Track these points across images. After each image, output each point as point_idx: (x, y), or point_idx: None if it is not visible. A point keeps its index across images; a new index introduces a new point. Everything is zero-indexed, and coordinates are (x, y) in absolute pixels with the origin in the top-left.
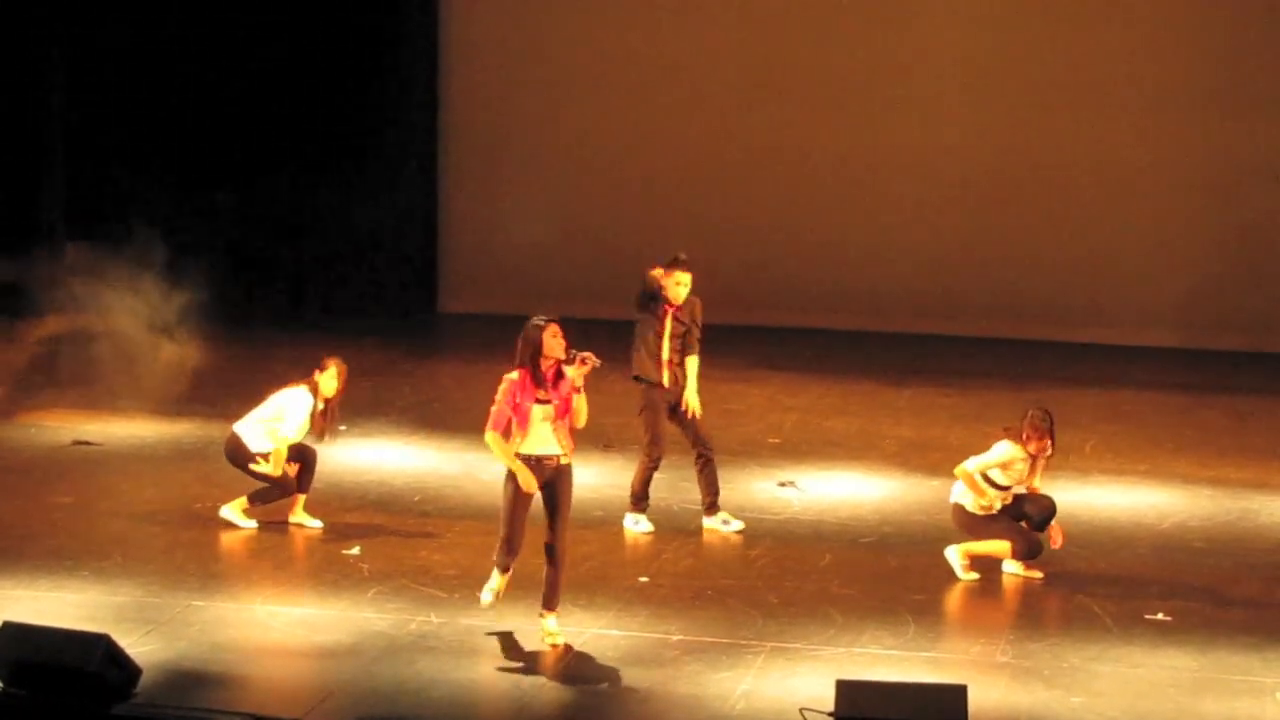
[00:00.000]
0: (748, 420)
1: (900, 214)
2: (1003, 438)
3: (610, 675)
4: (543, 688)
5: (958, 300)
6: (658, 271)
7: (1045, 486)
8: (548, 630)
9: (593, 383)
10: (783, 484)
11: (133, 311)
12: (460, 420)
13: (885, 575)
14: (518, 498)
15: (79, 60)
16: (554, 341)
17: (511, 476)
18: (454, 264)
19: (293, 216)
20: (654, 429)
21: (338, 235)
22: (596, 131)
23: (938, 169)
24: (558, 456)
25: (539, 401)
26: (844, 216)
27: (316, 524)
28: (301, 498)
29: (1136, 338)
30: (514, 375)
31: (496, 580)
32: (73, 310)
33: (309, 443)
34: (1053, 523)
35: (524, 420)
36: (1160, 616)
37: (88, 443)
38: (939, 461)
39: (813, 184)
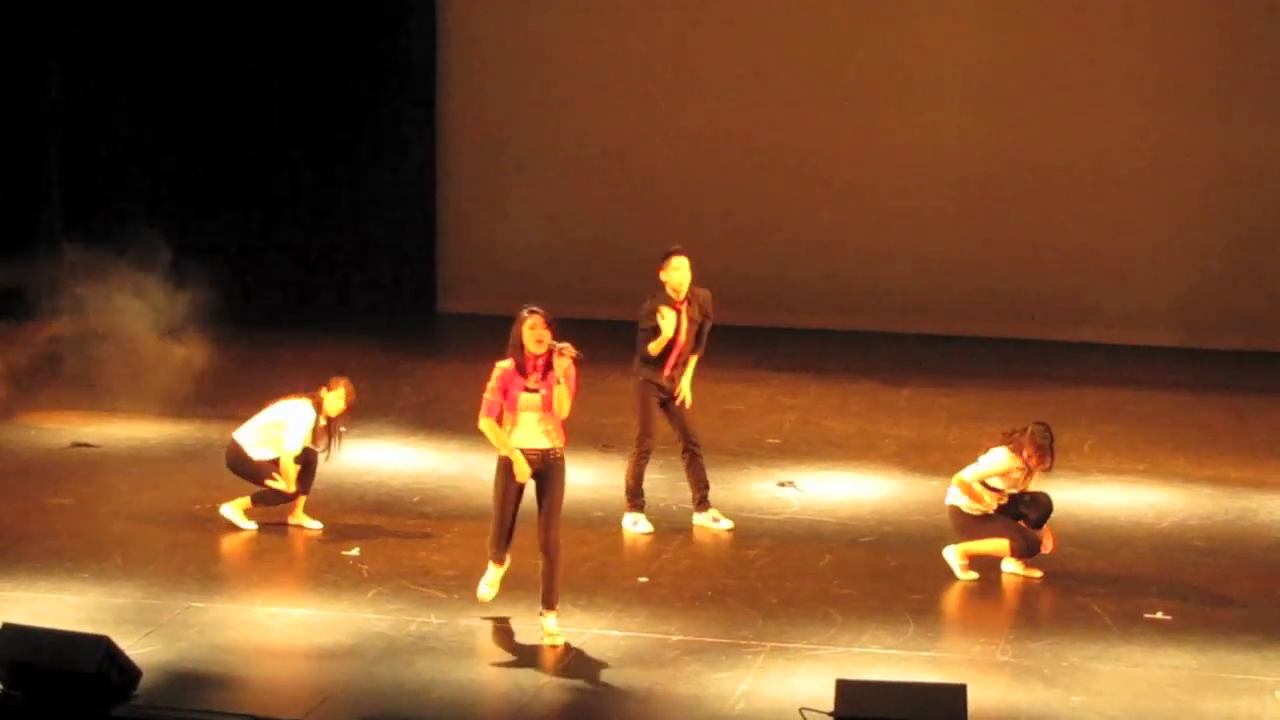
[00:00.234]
0: (747, 420)
1: (900, 214)
2: (1000, 443)
3: (610, 675)
4: (543, 688)
5: (958, 300)
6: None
7: (1043, 484)
8: (547, 630)
9: (591, 383)
10: (782, 484)
11: (132, 312)
12: (460, 421)
13: (885, 575)
14: (507, 487)
15: (78, 61)
16: (531, 334)
17: (502, 466)
18: (453, 264)
19: (292, 217)
20: (646, 421)
21: (337, 235)
22: (596, 131)
23: (937, 169)
24: (544, 450)
25: (526, 391)
26: (844, 216)
27: (316, 525)
28: (301, 499)
29: (1136, 337)
30: (506, 364)
31: (492, 574)
32: (72, 312)
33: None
34: (1045, 526)
35: (513, 410)
36: (1160, 615)
37: (87, 444)
38: (938, 462)
39: (813, 184)
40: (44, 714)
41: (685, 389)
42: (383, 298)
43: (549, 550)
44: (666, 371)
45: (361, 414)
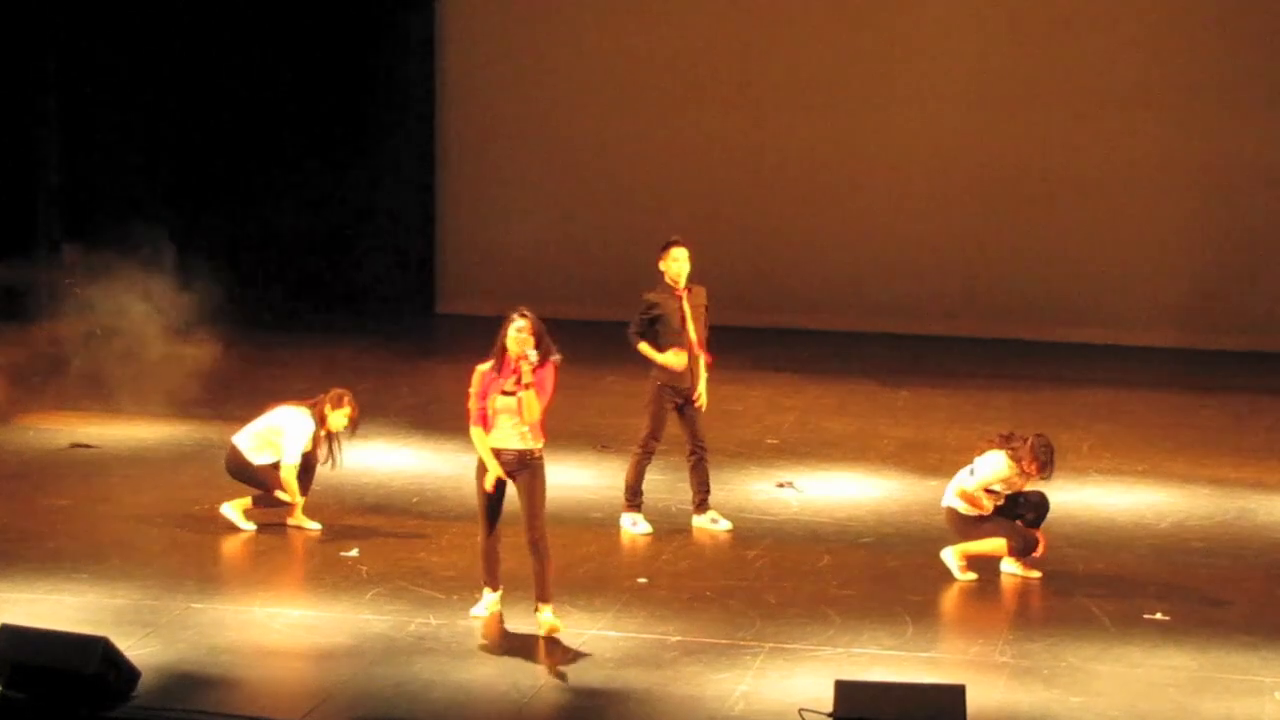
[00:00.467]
0: (746, 421)
1: (899, 215)
2: (998, 446)
3: (609, 676)
4: (541, 688)
5: (957, 300)
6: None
7: (1042, 485)
8: (544, 621)
9: (590, 383)
10: (781, 485)
11: (130, 313)
12: (458, 422)
13: (883, 576)
14: (482, 490)
15: (76, 62)
16: (515, 337)
17: (480, 470)
18: (452, 265)
19: (291, 217)
20: (657, 426)
21: (336, 236)
22: (595, 132)
23: (937, 170)
24: (520, 450)
25: (503, 394)
26: (843, 217)
27: (315, 526)
28: (301, 500)
29: (1136, 338)
30: (484, 366)
31: (488, 599)
32: (70, 313)
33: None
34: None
35: (491, 411)
36: (1159, 616)
37: (85, 445)
38: (937, 462)
39: (812, 184)
40: (43, 714)
41: (702, 392)
42: (382, 298)
43: (535, 547)
44: (684, 364)
45: (360, 415)
